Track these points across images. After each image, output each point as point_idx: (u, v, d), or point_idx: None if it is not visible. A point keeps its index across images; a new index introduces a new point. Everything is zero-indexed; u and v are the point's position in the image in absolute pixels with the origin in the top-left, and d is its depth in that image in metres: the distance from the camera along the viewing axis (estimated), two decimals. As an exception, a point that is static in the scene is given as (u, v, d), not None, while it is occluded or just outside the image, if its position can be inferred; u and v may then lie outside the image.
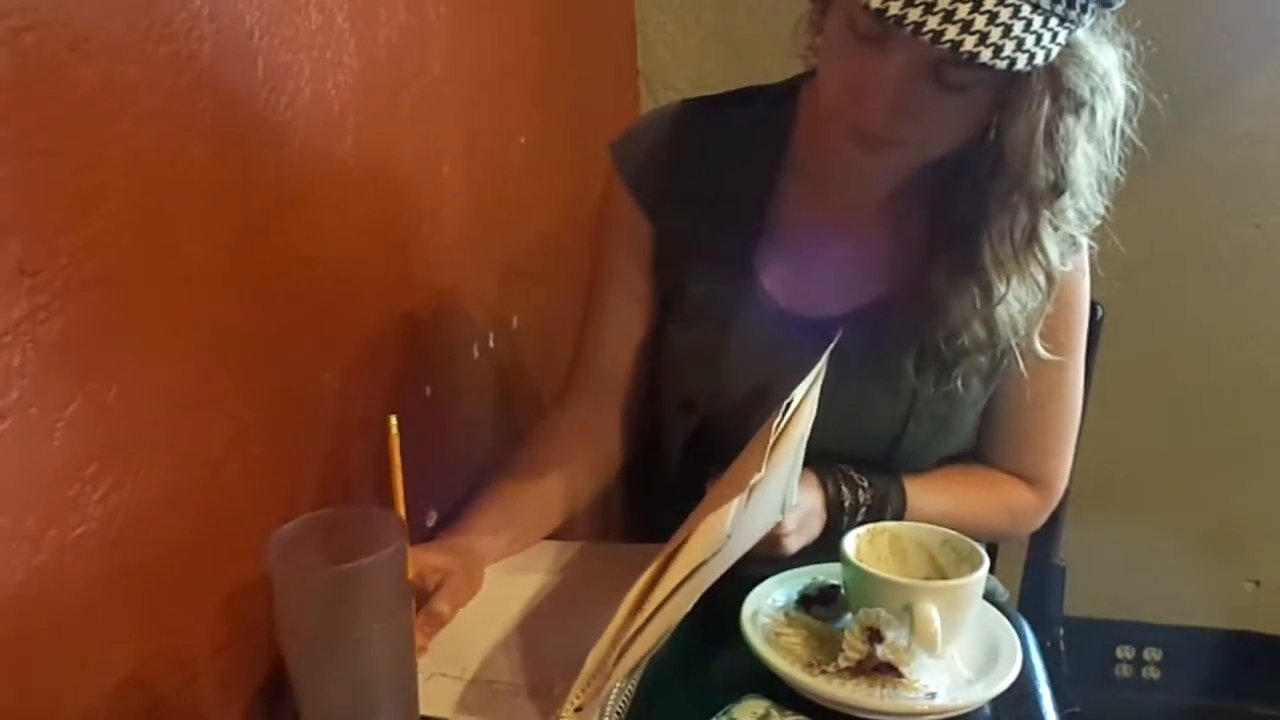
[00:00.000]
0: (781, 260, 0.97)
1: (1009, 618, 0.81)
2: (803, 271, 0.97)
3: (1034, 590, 1.24)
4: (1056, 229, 0.84)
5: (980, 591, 0.75)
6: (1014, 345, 0.91)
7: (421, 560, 0.83)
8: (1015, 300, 0.86)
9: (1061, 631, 1.24)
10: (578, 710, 0.69)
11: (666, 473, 1.05)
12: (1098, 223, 0.87)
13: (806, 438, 0.79)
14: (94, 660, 0.66)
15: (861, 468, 0.94)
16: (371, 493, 1.00)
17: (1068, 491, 1.05)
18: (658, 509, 0.98)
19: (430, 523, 1.10)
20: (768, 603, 0.81)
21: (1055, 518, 1.09)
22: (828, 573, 0.83)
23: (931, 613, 0.70)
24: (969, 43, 0.69)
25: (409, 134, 1.05)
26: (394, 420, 0.78)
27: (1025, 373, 0.91)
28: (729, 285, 0.96)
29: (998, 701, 0.72)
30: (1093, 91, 0.77)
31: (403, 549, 0.64)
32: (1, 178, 0.57)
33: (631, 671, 0.72)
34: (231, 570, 0.76)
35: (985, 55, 0.69)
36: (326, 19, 0.87)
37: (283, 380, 0.85)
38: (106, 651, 0.67)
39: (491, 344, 1.25)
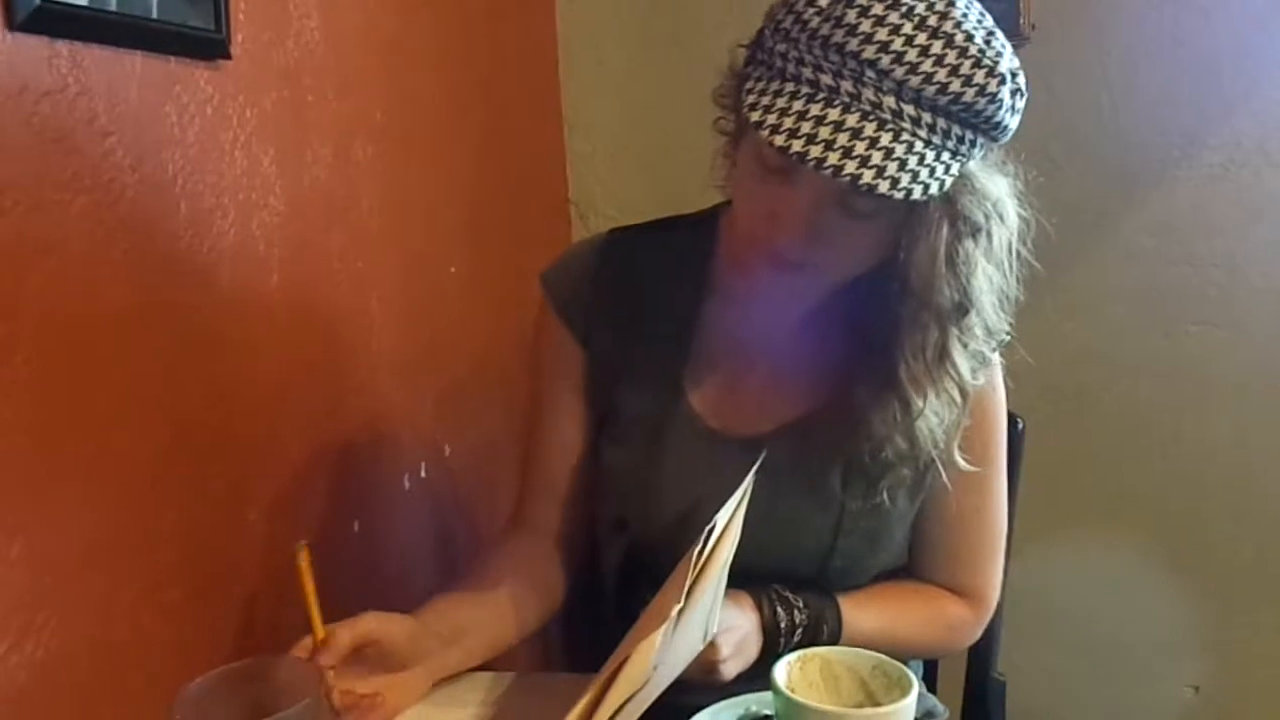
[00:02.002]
0: (708, 380, 0.99)
1: (943, 739, 0.80)
2: (729, 391, 0.99)
3: (975, 705, 1.22)
4: (966, 345, 0.88)
5: (910, 717, 0.74)
6: (936, 458, 0.92)
7: (363, 635, 0.80)
8: (933, 414, 0.89)
9: (1006, 747, 1.22)
10: None
11: (605, 590, 1.04)
12: (1005, 338, 0.91)
13: (730, 562, 0.79)
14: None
15: (796, 587, 0.94)
16: (297, 635, 0.97)
17: (1003, 603, 1.06)
18: (595, 628, 0.97)
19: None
20: (701, 736, 0.79)
21: (992, 630, 1.09)
22: (761, 702, 0.81)
23: (862, 741, 0.69)
24: (867, 176, 0.73)
25: (338, 268, 1.06)
26: (303, 549, 0.77)
27: (949, 485, 0.93)
28: (658, 406, 0.98)
29: (935, 828, 0.71)
30: (987, 217, 0.82)
31: (315, 702, 0.62)
32: (-95, 332, 0.57)
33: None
34: (145, 724, 0.73)
35: (883, 187, 0.74)
36: (252, 163, 0.89)
37: (204, 521, 0.84)
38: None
39: (424, 474, 1.24)
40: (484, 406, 1.41)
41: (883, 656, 0.79)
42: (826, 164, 0.73)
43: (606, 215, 1.80)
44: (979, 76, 0.74)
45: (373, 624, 0.82)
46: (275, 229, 0.92)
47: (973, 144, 0.78)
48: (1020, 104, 0.79)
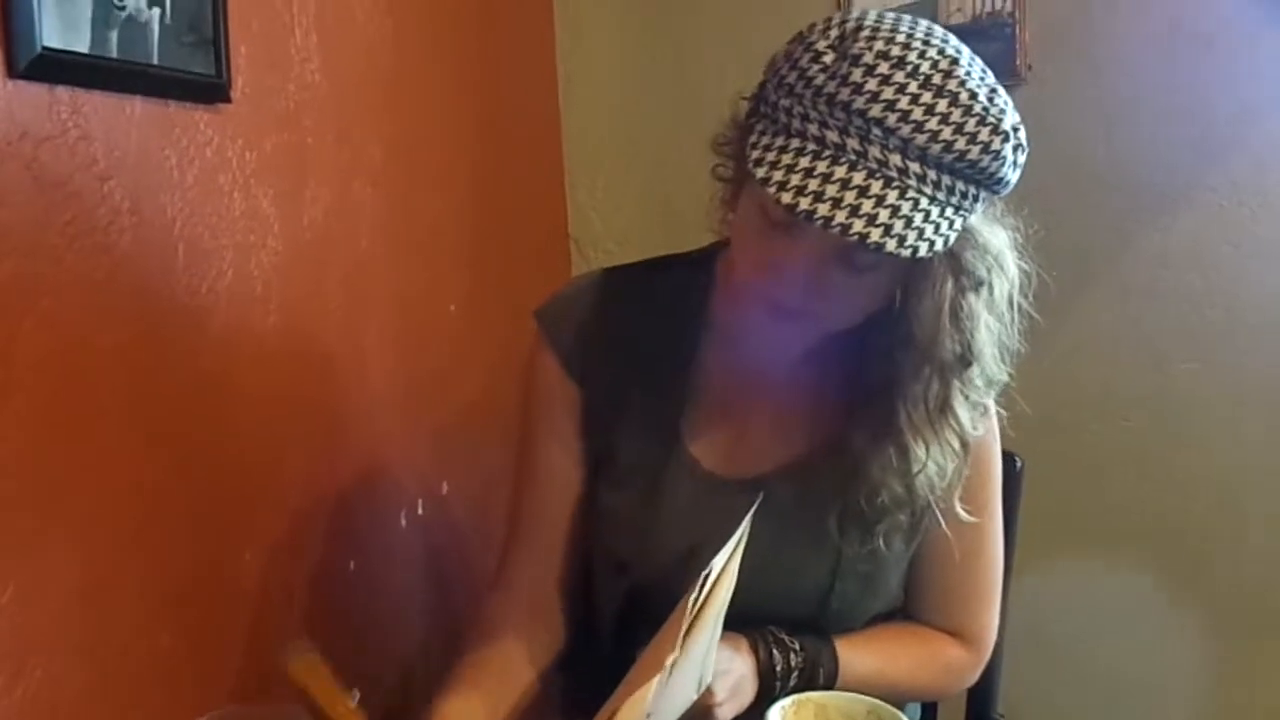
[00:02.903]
0: (705, 423, 0.99)
1: (942, 785, 0.79)
2: (727, 433, 0.99)
3: (976, 747, 1.22)
4: (967, 396, 0.88)
5: (905, 763, 0.74)
6: (933, 505, 0.92)
7: None
8: (933, 463, 0.89)
9: (1007, 788, 1.21)
10: None
11: (603, 632, 1.03)
12: (1003, 388, 0.91)
13: (726, 606, 0.79)
14: None
15: (792, 630, 0.94)
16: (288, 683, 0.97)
17: (1001, 642, 1.05)
18: (594, 672, 0.96)
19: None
20: (695, 782, 0.78)
21: (991, 670, 1.08)
22: (756, 747, 0.81)
23: (857, 789, 0.68)
24: (874, 235, 0.74)
25: (335, 307, 1.07)
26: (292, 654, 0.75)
27: (948, 532, 0.93)
28: (656, 448, 0.98)
29: None
30: (989, 270, 0.83)
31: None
32: (-99, 379, 0.58)
33: None
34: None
35: (890, 245, 0.74)
36: (250, 204, 0.89)
37: (198, 562, 0.84)
38: None
39: (420, 511, 1.24)
40: (482, 444, 1.41)
41: (878, 701, 0.79)
42: (834, 222, 0.73)
43: (606, 250, 1.81)
44: (984, 134, 0.75)
45: None
46: (273, 269, 0.92)
47: (975, 199, 0.79)
48: (1021, 159, 0.80)
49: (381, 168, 1.15)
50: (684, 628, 0.68)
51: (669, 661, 0.66)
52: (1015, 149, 0.78)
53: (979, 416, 0.91)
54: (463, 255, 1.41)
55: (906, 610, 1.02)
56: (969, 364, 0.85)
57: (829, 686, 0.90)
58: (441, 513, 1.31)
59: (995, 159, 0.76)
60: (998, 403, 0.96)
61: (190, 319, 0.83)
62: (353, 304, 1.10)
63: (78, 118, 0.69)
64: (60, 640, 0.68)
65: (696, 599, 0.72)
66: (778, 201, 0.74)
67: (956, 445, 0.89)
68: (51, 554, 0.68)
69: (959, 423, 0.88)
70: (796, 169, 0.75)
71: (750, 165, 0.77)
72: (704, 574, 0.75)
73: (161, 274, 0.79)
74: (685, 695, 0.76)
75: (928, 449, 0.88)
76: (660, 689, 0.66)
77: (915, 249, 0.75)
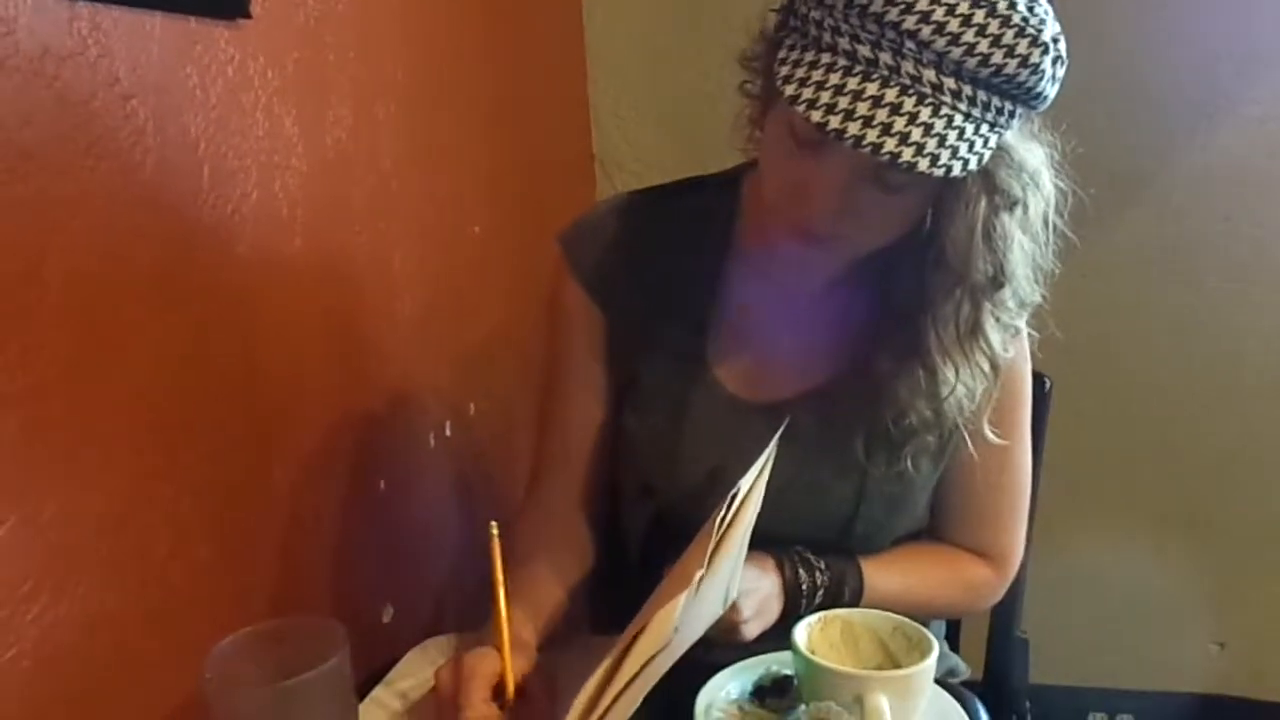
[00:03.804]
0: (731, 347, 0.98)
1: (962, 699, 0.80)
2: (752, 357, 0.98)
3: (998, 664, 1.23)
4: (998, 319, 0.87)
5: (930, 679, 0.74)
6: (961, 426, 0.92)
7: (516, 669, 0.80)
8: (962, 385, 0.88)
9: (1028, 704, 1.23)
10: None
11: (629, 556, 1.04)
12: (1035, 309, 0.90)
13: (752, 527, 0.80)
14: (30, 783, 0.65)
15: (818, 550, 0.94)
16: (326, 592, 0.99)
17: (1027, 562, 1.06)
18: (623, 592, 0.97)
19: (386, 618, 1.09)
20: (721, 695, 0.80)
21: (1015, 590, 1.09)
22: (782, 662, 0.82)
23: (882, 703, 0.69)
24: (907, 154, 0.72)
25: (360, 230, 1.06)
26: (494, 526, 0.80)
27: (975, 454, 0.93)
28: (680, 373, 0.97)
29: (953, 789, 0.72)
30: (1024, 189, 0.80)
31: (344, 662, 0.63)
32: (-63, 298, 0.58)
33: (589, 768, 0.71)
34: (177, 683, 0.75)
35: (923, 165, 0.72)
36: (274, 124, 0.88)
37: (230, 481, 0.85)
38: (43, 775, 0.66)
39: (448, 433, 1.25)
40: (507, 365, 1.42)
41: (903, 619, 0.80)
42: (865, 141, 0.71)
43: (632, 171, 1.78)
44: (1022, 46, 0.72)
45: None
46: (298, 190, 0.92)
47: (1011, 114, 0.76)
48: (1060, 72, 0.77)
49: (404, 86, 1.13)
50: (711, 546, 0.69)
51: (696, 578, 0.66)
52: (1055, 62, 0.75)
53: (1010, 338, 0.90)
54: (486, 176, 1.40)
55: (932, 530, 1.02)
56: (1001, 285, 0.83)
57: (854, 605, 0.91)
58: (469, 433, 1.32)
59: (1034, 73, 0.74)
60: (1029, 324, 0.94)
61: (217, 240, 0.82)
62: (377, 226, 1.09)
63: (98, 34, 0.68)
64: (98, 558, 0.70)
65: (723, 518, 0.72)
66: (807, 120, 0.72)
67: (986, 368, 0.88)
68: (87, 473, 0.69)
69: (989, 345, 0.87)
70: (826, 86, 0.73)
71: (779, 82, 0.75)
72: (731, 494, 0.75)
73: (187, 194, 0.78)
74: (712, 610, 0.77)
75: (957, 372, 0.87)
76: (687, 604, 0.67)
77: (949, 168, 0.73)
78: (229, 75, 0.82)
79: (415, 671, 0.92)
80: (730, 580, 0.80)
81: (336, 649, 0.63)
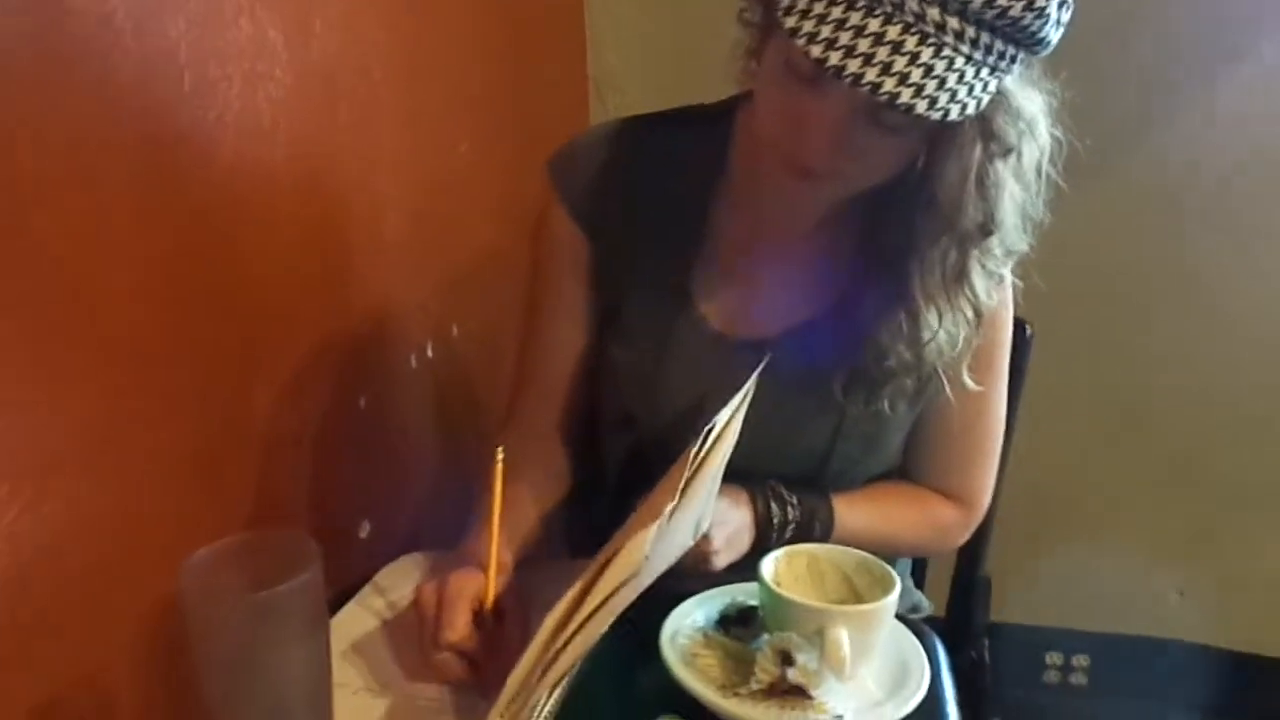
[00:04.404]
0: (716, 281, 0.98)
1: (921, 635, 0.83)
2: (736, 293, 0.98)
3: (960, 603, 1.27)
4: (984, 265, 0.87)
5: (890, 615, 0.76)
6: (940, 371, 0.93)
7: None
8: (944, 331, 0.89)
9: (987, 642, 1.27)
10: (502, 727, 0.69)
11: (607, 486, 1.06)
12: (1021, 258, 0.90)
13: (727, 460, 0.81)
14: (7, 688, 0.66)
15: (791, 485, 0.96)
16: (305, 509, 1.00)
17: (994, 506, 1.08)
18: (600, 522, 0.99)
19: (363, 534, 1.10)
20: (687, 623, 0.82)
21: (981, 532, 1.11)
22: (748, 593, 0.84)
23: (841, 637, 0.71)
24: (905, 94, 0.71)
25: (346, 144, 1.04)
26: (500, 451, 0.81)
27: (952, 399, 0.94)
28: (665, 306, 0.98)
29: (907, 720, 0.74)
30: (1020, 136, 0.80)
31: (317, 575, 0.64)
32: (-94, 200, 0.57)
33: (554, 687, 0.73)
34: (152, 592, 0.76)
35: (921, 107, 0.71)
36: (257, 31, 0.86)
37: (209, 396, 0.85)
38: (20, 678, 0.67)
39: (430, 354, 1.25)
40: (492, 288, 1.41)
41: (867, 555, 0.82)
42: (865, 80, 0.70)
43: (626, 93, 1.76)
44: None
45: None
46: (281, 102, 0.90)
47: (1013, 59, 0.75)
48: (1065, 17, 0.75)
49: (394, -2, 1.10)
50: (685, 478, 0.70)
51: (668, 509, 0.68)
52: (1060, 6, 0.74)
53: (994, 285, 0.90)
54: (476, 94, 1.37)
55: (904, 471, 1.04)
56: (990, 233, 0.83)
57: (824, 540, 0.93)
58: (451, 355, 1.32)
59: (1039, 17, 0.72)
60: (1013, 271, 0.95)
61: (198, 151, 0.81)
62: (363, 141, 1.07)
63: (75, -70, 0.66)
64: (78, 464, 0.70)
65: (698, 452, 0.73)
66: (806, 54, 0.71)
67: (970, 314, 0.88)
68: (70, 380, 0.69)
69: (974, 292, 0.87)
70: (828, 20, 0.72)
71: (779, 14, 0.74)
72: (707, 427, 0.76)
73: (168, 102, 0.77)
74: (682, 541, 0.79)
75: (940, 317, 0.87)
76: (658, 534, 0.68)
77: (946, 111, 0.72)
78: (211, -22, 0.80)
79: (393, 587, 0.94)
80: (702, 512, 0.81)
81: (310, 563, 0.64)
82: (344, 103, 1.03)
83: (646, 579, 0.72)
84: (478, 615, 0.79)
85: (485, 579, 0.81)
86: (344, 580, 0.94)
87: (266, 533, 0.69)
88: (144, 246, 0.76)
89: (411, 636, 0.82)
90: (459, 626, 0.77)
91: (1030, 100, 0.80)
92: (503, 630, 0.80)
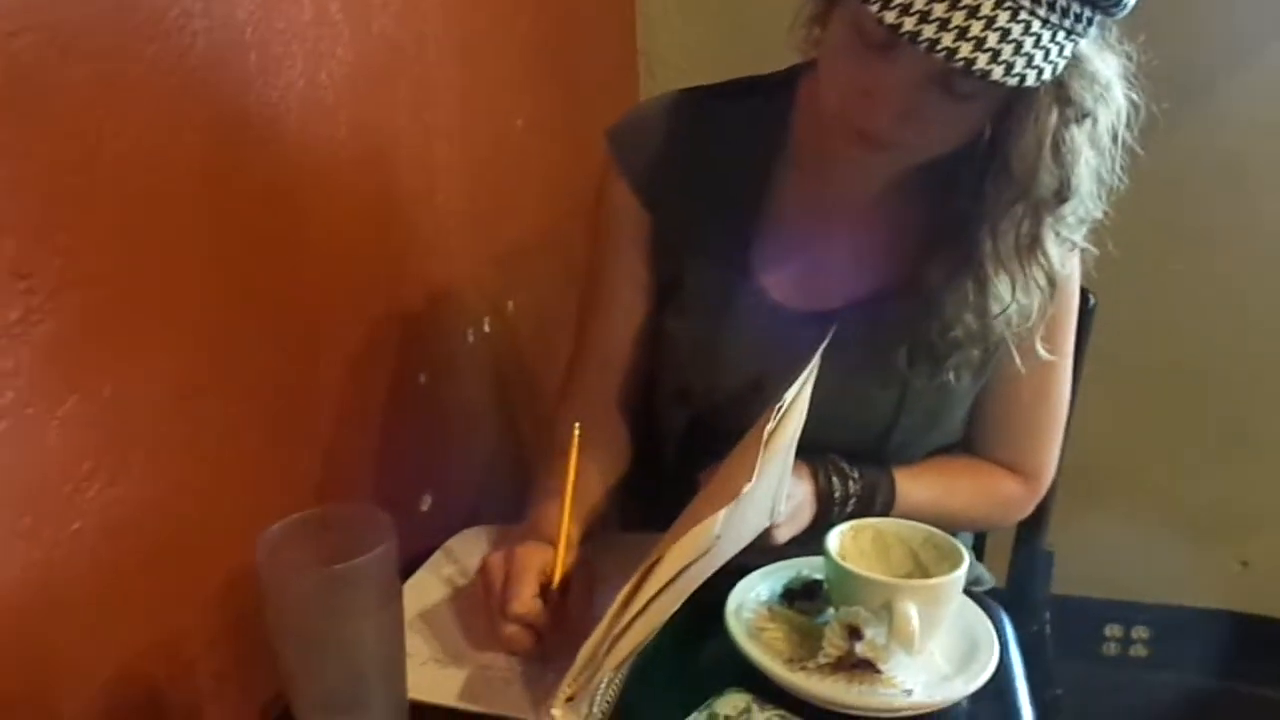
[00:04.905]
0: (777, 253, 0.97)
1: (989, 610, 0.82)
2: (798, 265, 0.97)
3: (1021, 576, 1.25)
4: (1058, 233, 0.85)
5: (959, 589, 0.76)
6: (1009, 341, 0.91)
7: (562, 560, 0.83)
8: (1016, 301, 0.87)
9: (1048, 616, 1.25)
10: (569, 700, 0.70)
11: (663, 460, 1.06)
12: (1095, 225, 0.88)
13: (797, 438, 0.80)
14: (90, 653, 0.68)
15: (852, 458, 0.95)
16: (368, 483, 1.02)
17: (1056, 479, 1.07)
18: (655, 495, 0.99)
19: (424, 507, 1.12)
20: (751, 596, 0.82)
21: (1043, 505, 1.10)
22: (812, 567, 0.84)
23: (910, 611, 0.71)
24: (981, 60, 0.69)
25: (404, 120, 1.05)
26: (577, 427, 0.82)
27: (1021, 369, 0.92)
28: (725, 278, 0.97)
29: (976, 695, 0.74)
30: (1096, 101, 0.78)
31: (391, 549, 0.65)
32: (-4, 183, 0.58)
33: (621, 664, 0.74)
34: (226, 563, 0.78)
35: (997, 73, 0.69)
36: (320, 10, 0.87)
37: (276, 371, 0.86)
38: (103, 645, 0.69)
39: (487, 329, 1.26)
40: (546, 262, 1.41)
41: (934, 530, 0.81)
42: (940, 45, 0.69)
43: (676, 68, 1.74)
44: None
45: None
46: (344, 79, 0.90)
47: (1089, 22, 0.73)
48: None
49: (449, -30, 1.10)
50: (760, 456, 0.69)
51: (745, 489, 0.67)
52: None
53: (1067, 253, 0.88)
54: (530, 68, 1.37)
55: (967, 444, 1.03)
56: (1065, 200, 0.81)
57: (885, 514, 0.92)
58: (507, 329, 1.33)
59: None
60: (1085, 239, 0.92)
61: (264, 128, 0.82)
62: (421, 117, 1.08)
63: (146, -87, 0.67)
64: (153, 440, 0.72)
65: (770, 429, 0.73)
66: (880, 21, 0.70)
67: (1043, 282, 0.86)
68: (143, 358, 0.70)
69: (1048, 260, 0.85)
70: None
71: None
72: (777, 405, 0.75)
73: (235, 81, 0.77)
74: (757, 522, 0.78)
75: (1013, 286, 0.86)
76: (730, 515, 0.68)
77: (1022, 77, 0.70)
78: (275, -44, 0.80)
79: (464, 555, 0.95)
80: (777, 492, 0.81)
81: (384, 536, 0.65)
82: (402, 79, 1.03)
83: (718, 559, 0.72)
84: (544, 589, 0.80)
85: (552, 553, 0.81)
86: (406, 552, 0.95)
87: (340, 506, 0.70)
88: (212, 225, 0.77)
89: (478, 607, 0.83)
90: (525, 599, 0.78)
91: (1106, 63, 0.78)
92: (567, 604, 0.81)
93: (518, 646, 0.79)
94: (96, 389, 0.66)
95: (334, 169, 0.92)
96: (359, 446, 1.00)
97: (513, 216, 1.34)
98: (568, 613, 0.80)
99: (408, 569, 0.93)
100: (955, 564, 0.76)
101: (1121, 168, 0.83)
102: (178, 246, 0.73)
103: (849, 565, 0.75)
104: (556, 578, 0.80)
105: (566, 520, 0.82)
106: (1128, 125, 0.81)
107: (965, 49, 0.69)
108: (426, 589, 0.90)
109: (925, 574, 0.79)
